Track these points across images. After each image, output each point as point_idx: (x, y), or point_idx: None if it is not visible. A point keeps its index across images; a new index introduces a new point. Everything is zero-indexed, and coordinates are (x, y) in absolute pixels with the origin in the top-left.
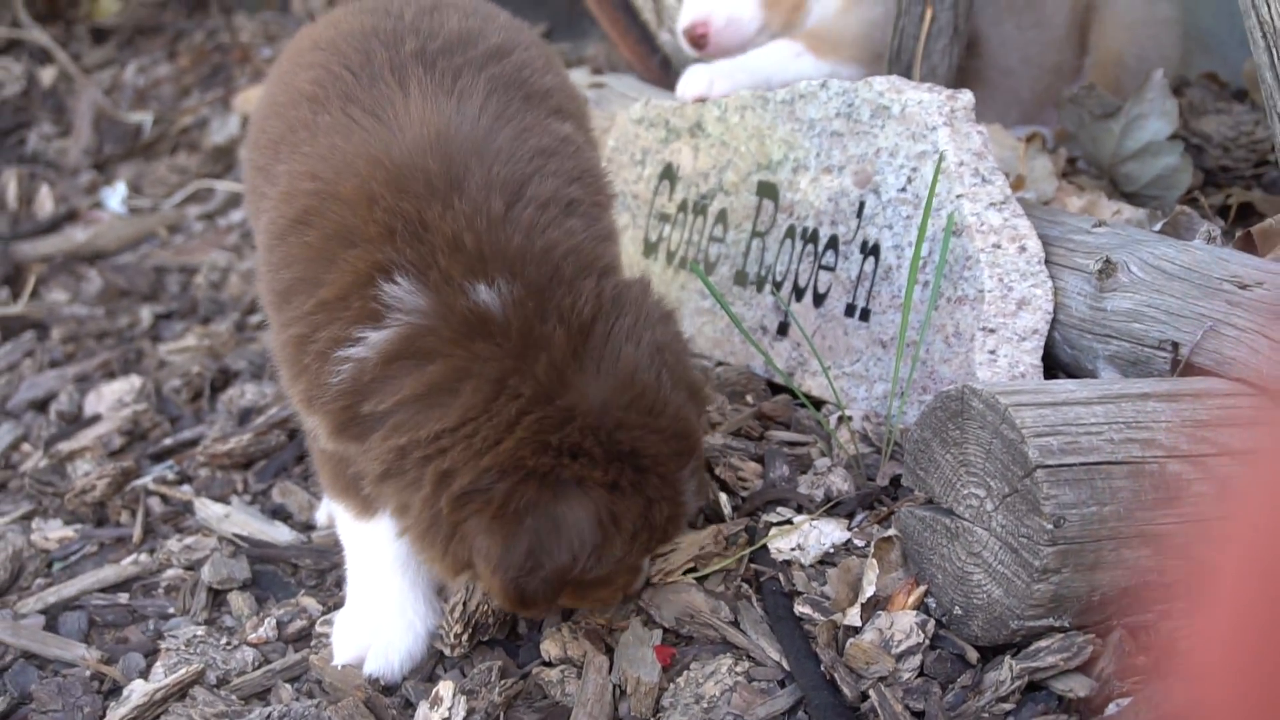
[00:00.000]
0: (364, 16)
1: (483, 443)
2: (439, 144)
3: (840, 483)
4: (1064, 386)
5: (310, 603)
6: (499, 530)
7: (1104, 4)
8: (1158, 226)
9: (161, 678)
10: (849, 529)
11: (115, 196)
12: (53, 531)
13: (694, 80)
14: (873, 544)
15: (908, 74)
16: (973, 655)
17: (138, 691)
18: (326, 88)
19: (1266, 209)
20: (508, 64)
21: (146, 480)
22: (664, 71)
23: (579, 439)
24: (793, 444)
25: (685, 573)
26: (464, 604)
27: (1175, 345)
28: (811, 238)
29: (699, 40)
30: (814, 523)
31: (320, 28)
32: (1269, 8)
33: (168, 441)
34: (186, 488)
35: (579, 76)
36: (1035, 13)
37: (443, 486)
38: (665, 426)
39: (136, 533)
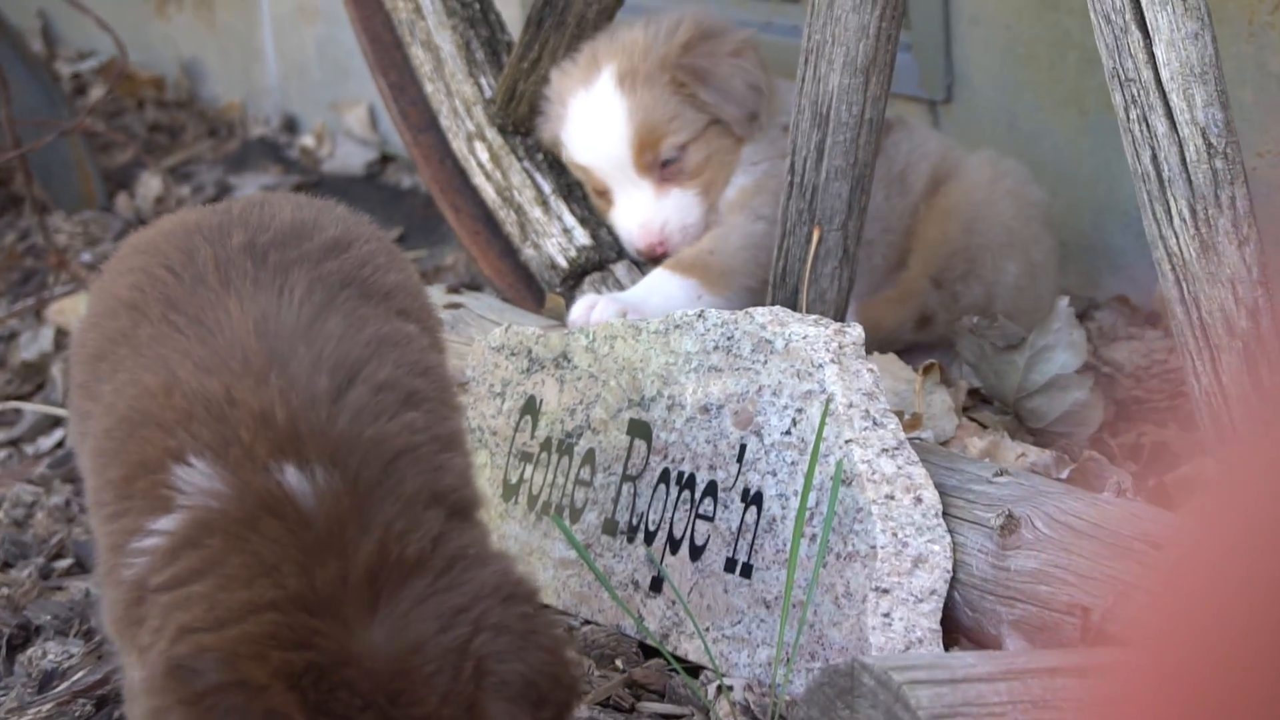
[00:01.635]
0: (188, 213)
1: (216, 616)
2: (261, 325)
3: None
4: (964, 660)
5: None
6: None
7: (954, 172)
8: (1065, 474)
9: None
10: None
11: None
12: None
13: (591, 311)
14: None
15: (793, 298)
16: None
17: None
18: (146, 293)
19: (1183, 449)
20: (346, 259)
21: None
22: (528, 290)
23: (303, 674)
24: (667, 716)
25: None
26: None
27: (1085, 611)
28: (688, 483)
29: (658, 257)
30: None
31: (144, 230)
32: (1177, 239)
33: None
34: None
35: (433, 295)
36: (902, 181)
37: (172, 641)
38: None
39: None
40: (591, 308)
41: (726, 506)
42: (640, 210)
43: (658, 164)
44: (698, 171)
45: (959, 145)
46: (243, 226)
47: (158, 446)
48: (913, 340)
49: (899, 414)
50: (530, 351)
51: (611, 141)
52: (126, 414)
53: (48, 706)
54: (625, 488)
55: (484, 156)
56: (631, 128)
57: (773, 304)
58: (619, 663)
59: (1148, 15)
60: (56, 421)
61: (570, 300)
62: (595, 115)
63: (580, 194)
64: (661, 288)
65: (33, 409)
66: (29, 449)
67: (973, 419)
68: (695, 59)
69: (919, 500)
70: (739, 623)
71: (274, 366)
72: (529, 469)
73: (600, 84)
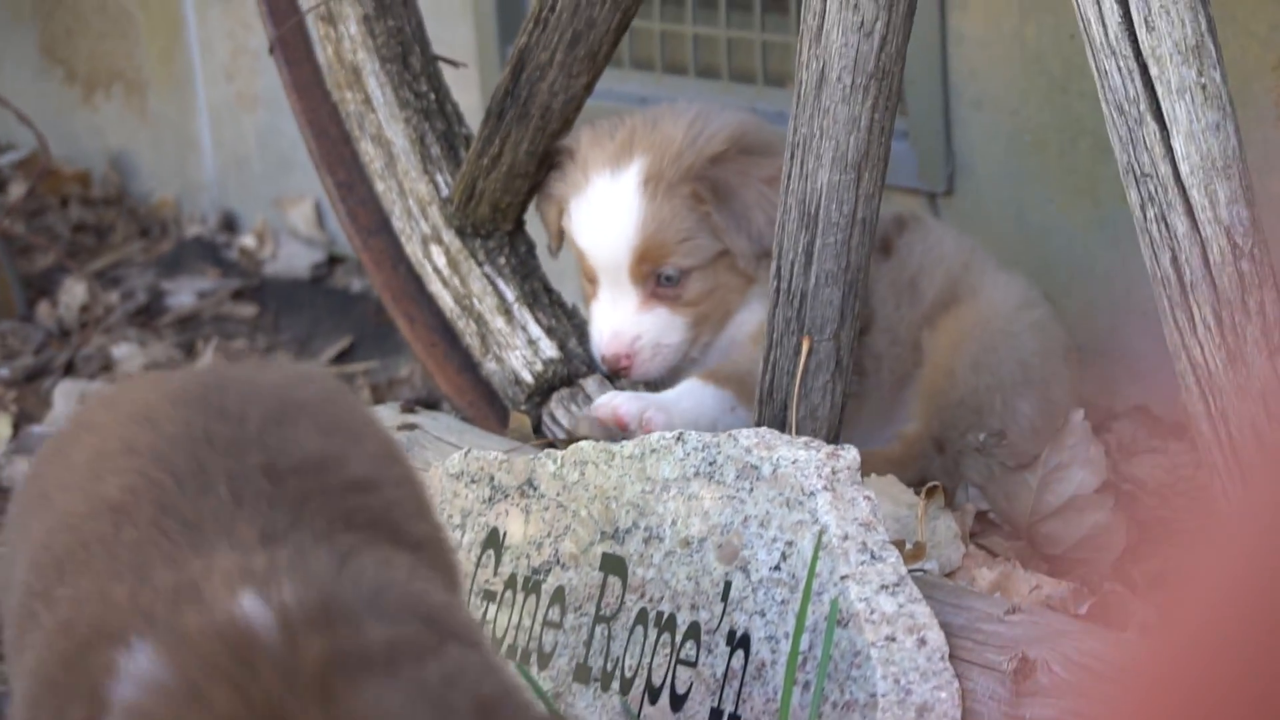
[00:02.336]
0: (191, 414)
1: None
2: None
3: None
4: None
5: None
6: None
7: (974, 291)
8: (1084, 609)
9: None
10: None
11: None
12: None
13: (616, 410)
14: None
15: (782, 416)
16: None
17: None
18: (139, 496)
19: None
20: (373, 499)
21: None
22: (490, 408)
23: None
24: None
25: None
26: None
27: None
28: (668, 625)
29: (620, 371)
30: None
31: (131, 424)
32: (1202, 349)
33: None
34: None
35: (385, 414)
36: (913, 289)
37: None
38: None
39: None
40: (615, 407)
41: (710, 650)
42: (618, 317)
43: (654, 278)
44: (694, 301)
45: (986, 251)
46: (261, 448)
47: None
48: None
49: (899, 544)
50: (493, 478)
51: (615, 241)
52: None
53: None
54: (598, 630)
55: (441, 261)
56: (640, 237)
57: (759, 423)
58: None
59: (1164, 105)
60: None
61: (537, 419)
62: (609, 208)
63: (548, 300)
64: (693, 392)
65: None
66: None
67: (981, 546)
68: (723, 174)
69: (923, 642)
70: None
71: (230, 530)
72: (492, 609)
73: (626, 178)
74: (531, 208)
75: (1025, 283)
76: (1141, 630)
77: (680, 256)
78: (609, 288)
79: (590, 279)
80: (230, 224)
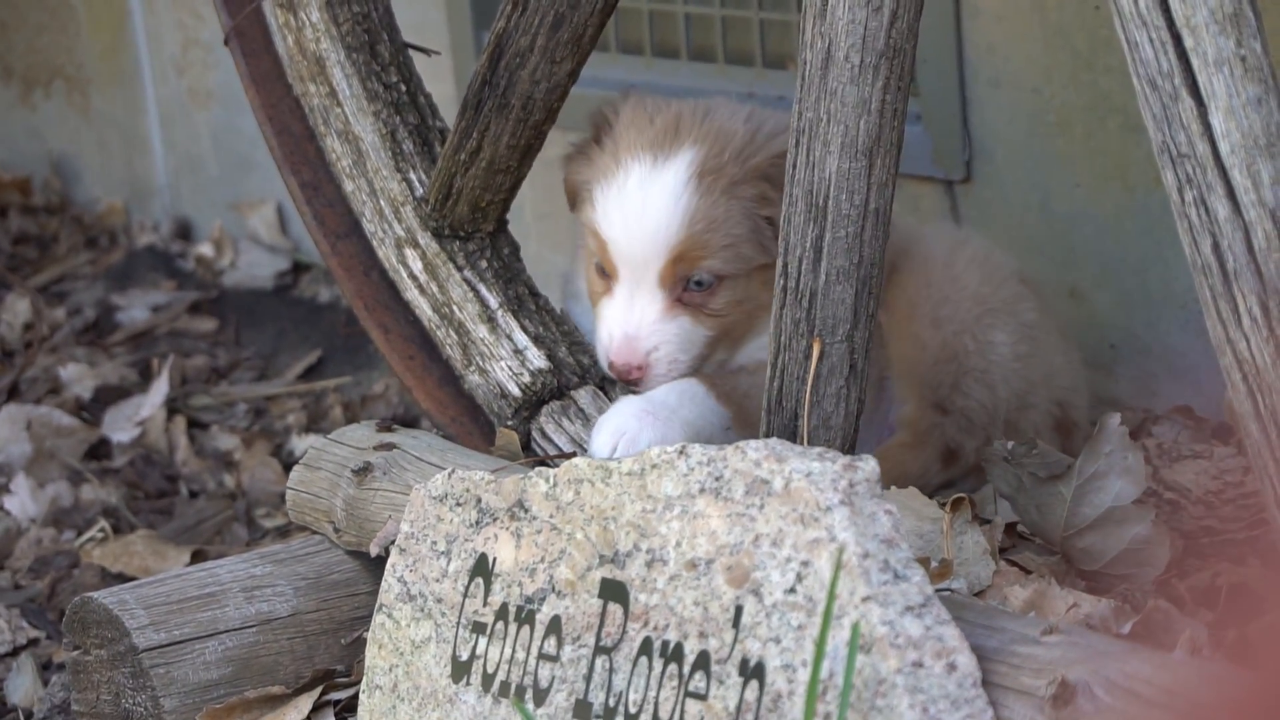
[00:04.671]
0: None
1: None
2: None
3: None
4: None
5: None
6: None
7: (908, 250)
8: (1127, 628)
9: None
10: None
11: None
12: None
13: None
14: None
15: (793, 425)
16: None
17: None
18: None
19: (1267, 590)
20: None
21: None
22: (474, 425)
23: None
24: None
25: None
26: None
27: None
28: (674, 655)
29: (628, 382)
30: None
31: None
32: (1248, 342)
33: None
34: None
35: (360, 434)
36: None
37: None
38: None
39: None
40: (614, 450)
41: (722, 682)
42: (635, 321)
43: (683, 282)
44: (721, 312)
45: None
46: None
47: None
48: (943, 479)
49: (924, 561)
50: (480, 501)
51: (652, 236)
52: None
53: None
54: (599, 662)
55: (417, 266)
56: (683, 235)
57: (768, 434)
58: None
59: (1200, 79)
60: None
61: (526, 435)
62: (651, 199)
63: (534, 306)
64: (696, 399)
65: None
66: None
67: (1012, 563)
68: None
69: (953, 667)
70: None
71: None
72: (482, 642)
73: (674, 168)
74: (514, 206)
75: (949, 227)
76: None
77: (720, 261)
78: (629, 285)
79: (607, 272)
80: (185, 231)
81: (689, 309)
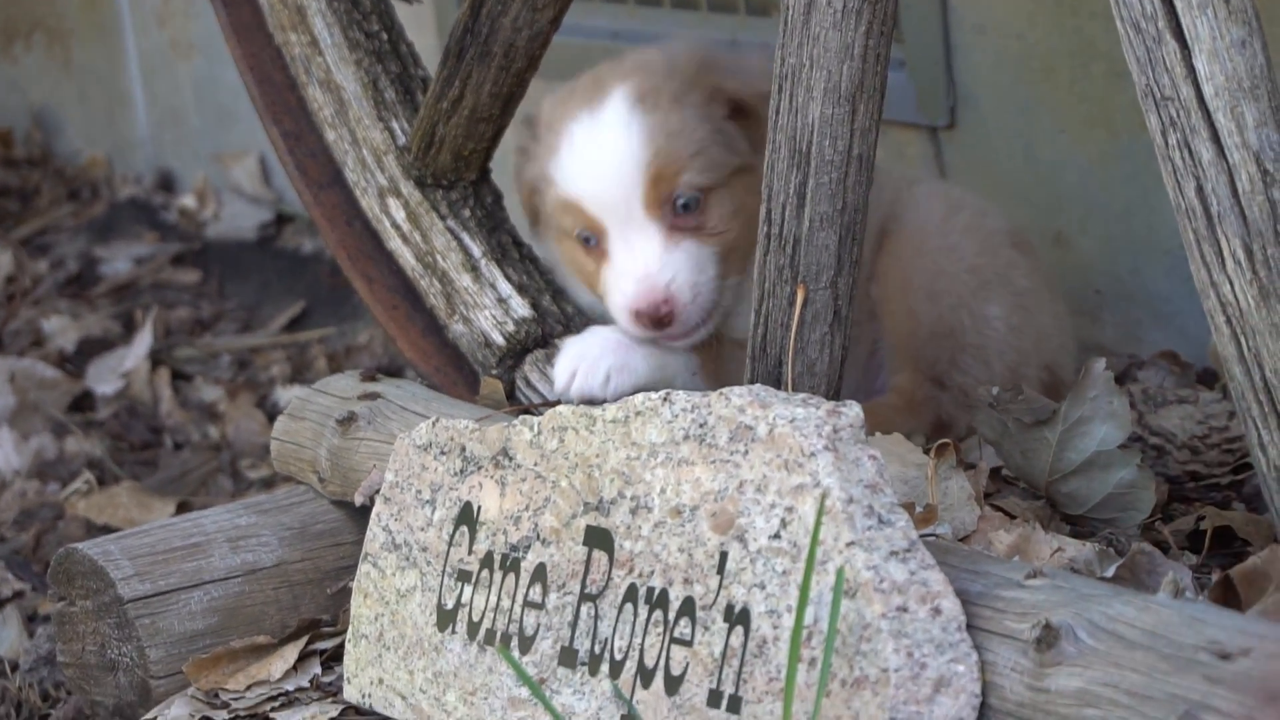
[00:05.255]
0: None
1: None
2: None
3: None
4: None
5: None
6: None
7: (902, 213)
8: (1110, 571)
9: None
10: None
11: None
12: None
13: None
14: None
15: (777, 373)
16: None
17: None
18: None
19: (1250, 534)
20: None
21: None
22: (458, 374)
23: None
24: None
25: None
26: None
27: None
28: (659, 601)
29: (663, 321)
30: None
31: None
32: (1232, 285)
33: None
34: None
35: (344, 383)
36: None
37: None
38: None
39: None
40: (573, 375)
41: (707, 628)
42: (643, 260)
43: (671, 205)
44: (720, 228)
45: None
46: None
47: None
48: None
49: (909, 507)
50: (464, 449)
51: (619, 170)
52: None
53: None
54: (584, 609)
55: (400, 216)
56: (649, 152)
57: (752, 381)
58: None
59: (1184, 21)
60: None
61: (510, 384)
62: (601, 138)
63: (518, 255)
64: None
65: None
66: None
67: (997, 508)
68: (746, 79)
69: (937, 611)
70: None
71: None
72: (468, 590)
73: (611, 103)
74: (497, 155)
75: (942, 186)
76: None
77: (694, 173)
78: (621, 231)
79: (593, 233)
80: (167, 183)
81: (688, 233)
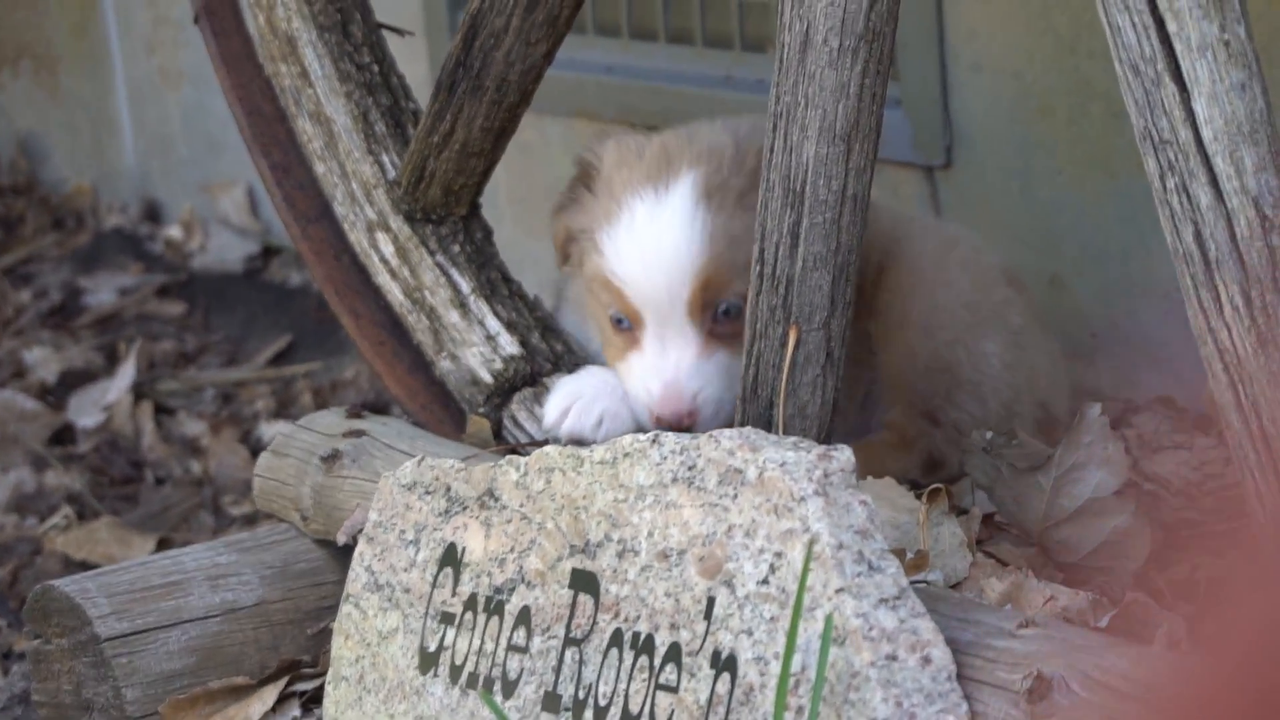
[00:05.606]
0: None
1: None
2: None
3: None
4: None
5: None
6: None
7: (898, 247)
8: (1104, 621)
9: None
10: None
11: None
12: None
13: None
14: None
15: (768, 414)
16: None
17: None
18: None
19: (1240, 581)
20: None
21: None
22: (445, 412)
23: None
24: None
25: None
26: None
27: None
28: (645, 646)
29: (681, 429)
30: None
31: None
32: (1229, 332)
33: None
34: None
35: (329, 420)
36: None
37: None
38: None
39: None
40: (565, 413)
41: (693, 674)
42: (675, 365)
43: (714, 310)
44: None
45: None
46: None
47: None
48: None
49: (900, 553)
50: (449, 489)
51: (672, 269)
52: None
53: None
54: (569, 654)
55: (388, 250)
56: (706, 257)
57: (742, 423)
58: None
59: (1183, 64)
60: None
61: (497, 423)
62: (663, 231)
63: (507, 291)
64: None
65: None
66: None
67: (989, 555)
68: None
69: (927, 661)
70: None
71: None
72: (450, 633)
73: (678, 193)
74: (487, 190)
75: (935, 223)
76: (1185, 646)
77: (744, 282)
78: (659, 328)
79: (629, 321)
80: (153, 213)
81: (723, 342)
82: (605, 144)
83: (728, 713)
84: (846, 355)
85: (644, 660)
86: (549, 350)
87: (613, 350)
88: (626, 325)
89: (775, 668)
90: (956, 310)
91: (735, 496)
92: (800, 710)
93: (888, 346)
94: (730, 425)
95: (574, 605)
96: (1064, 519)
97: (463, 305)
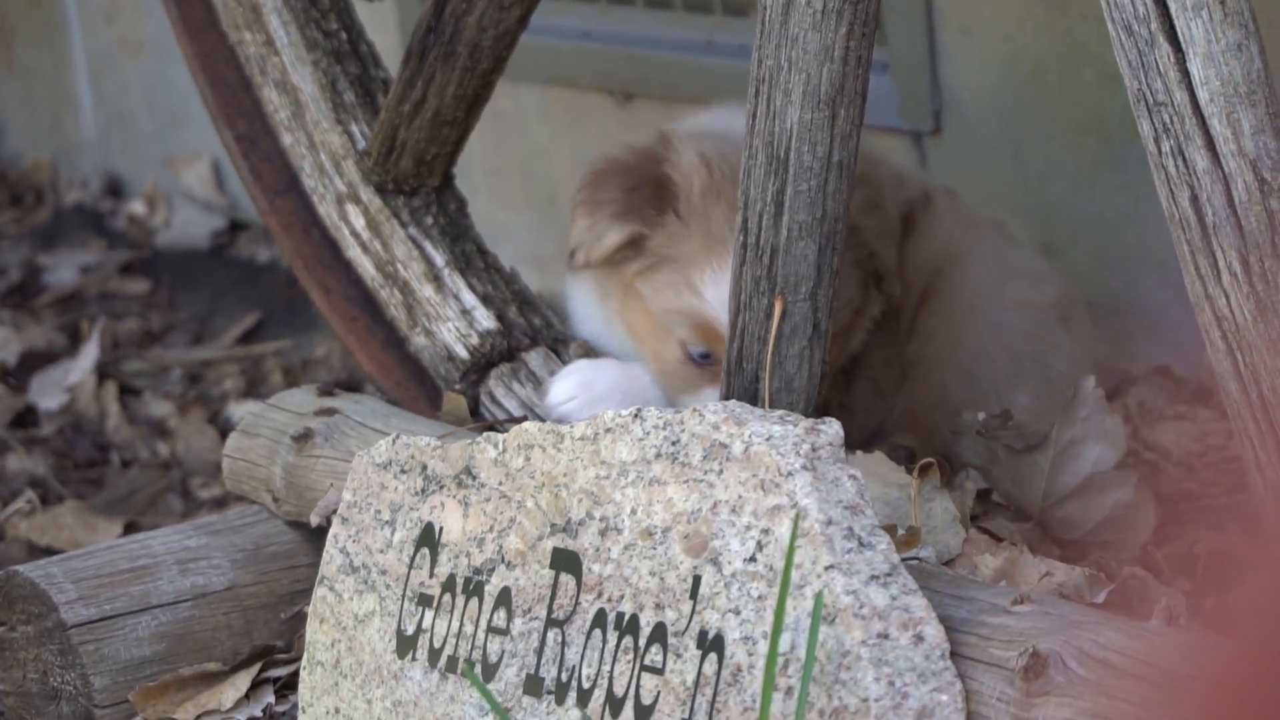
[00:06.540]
0: None
1: None
2: None
3: None
4: None
5: None
6: None
7: (944, 283)
8: (1101, 597)
9: None
10: None
11: None
12: None
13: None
14: None
15: (754, 387)
16: None
17: None
18: None
19: (1245, 560)
20: None
21: None
22: (420, 389)
23: None
24: None
25: None
26: None
27: None
28: (629, 627)
29: None
30: None
31: None
32: (1228, 299)
33: None
34: None
35: (300, 399)
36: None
37: None
38: None
39: None
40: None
41: (679, 655)
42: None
43: None
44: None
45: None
46: None
47: None
48: None
49: (890, 529)
50: (425, 468)
51: None
52: None
53: None
54: (551, 635)
55: (359, 223)
56: None
57: (727, 397)
58: None
59: (1178, 24)
60: None
61: (474, 399)
62: None
63: (483, 264)
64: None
65: None
66: None
67: (983, 530)
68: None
69: (920, 639)
70: None
71: None
72: (429, 616)
73: None
74: (461, 161)
75: (999, 244)
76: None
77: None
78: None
79: (715, 355)
80: (115, 188)
81: None
82: (687, 153)
83: (715, 694)
84: (873, 387)
85: (628, 641)
86: (527, 325)
87: (679, 381)
88: (709, 360)
89: (763, 647)
90: (1002, 359)
91: (721, 472)
92: (790, 690)
93: (923, 378)
94: None
95: (555, 585)
96: (1065, 496)
97: (437, 279)
